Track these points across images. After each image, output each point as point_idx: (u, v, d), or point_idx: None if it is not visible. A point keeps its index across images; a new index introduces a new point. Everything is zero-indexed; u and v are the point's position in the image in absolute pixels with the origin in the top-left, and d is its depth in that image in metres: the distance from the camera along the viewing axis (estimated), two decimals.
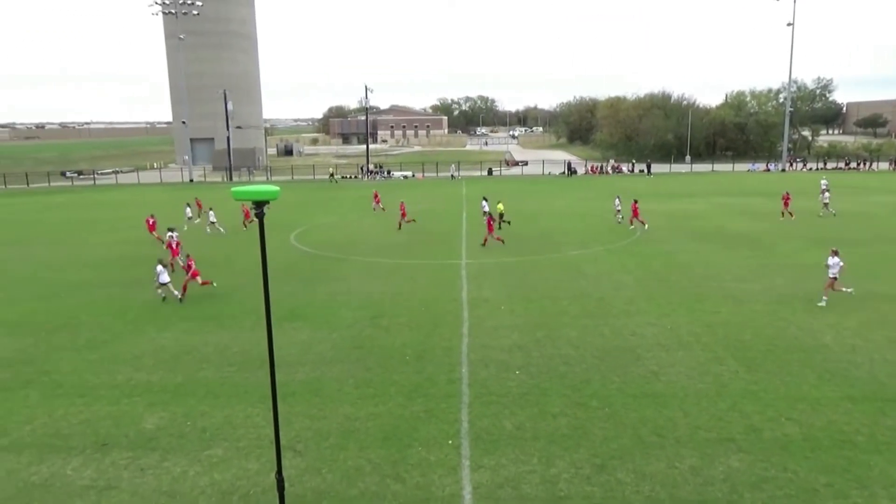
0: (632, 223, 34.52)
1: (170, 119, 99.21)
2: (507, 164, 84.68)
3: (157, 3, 77.32)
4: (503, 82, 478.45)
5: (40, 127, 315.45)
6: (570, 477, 10.95)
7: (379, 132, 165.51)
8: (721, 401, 13.64)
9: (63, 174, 79.98)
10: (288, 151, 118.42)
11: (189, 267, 22.57)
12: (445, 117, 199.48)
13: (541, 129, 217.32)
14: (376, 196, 44.12)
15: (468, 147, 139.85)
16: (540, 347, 16.97)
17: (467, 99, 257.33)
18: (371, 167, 77.29)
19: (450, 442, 12.15)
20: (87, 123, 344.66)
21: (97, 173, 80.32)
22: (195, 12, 76.58)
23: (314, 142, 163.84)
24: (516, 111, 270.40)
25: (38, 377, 15.75)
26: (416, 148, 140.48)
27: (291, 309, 20.57)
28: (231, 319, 19.96)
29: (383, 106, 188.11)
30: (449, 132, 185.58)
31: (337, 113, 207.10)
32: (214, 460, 11.76)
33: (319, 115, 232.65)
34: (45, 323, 20.10)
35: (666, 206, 43.56)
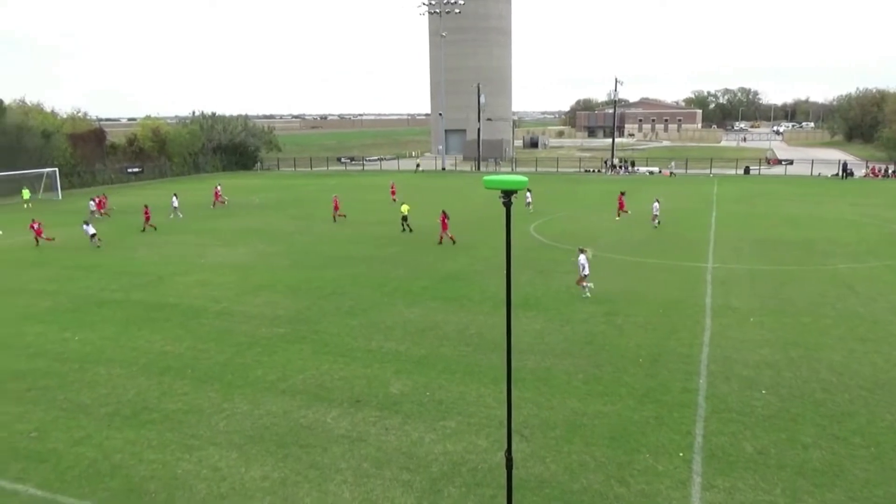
0: (618, 215, 37.38)
1: (428, 111, 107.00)
2: (768, 163, 76.81)
3: (424, 4, 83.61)
4: (768, 73, 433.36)
5: (323, 118, 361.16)
6: None
7: (626, 126, 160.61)
8: None
9: (339, 159, 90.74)
10: (533, 143, 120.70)
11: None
12: (699, 111, 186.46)
13: (811, 124, 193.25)
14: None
15: (723, 143, 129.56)
16: (793, 368, 15.33)
17: (725, 91, 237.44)
18: (615, 161, 75.52)
19: (680, 454, 11.61)
20: (360, 115, 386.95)
21: (365, 160, 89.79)
22: (457, 10, 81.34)
23: (559, 134, 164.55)
24: (783, 104, 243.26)
25: (310, 335, 18.30)
26: (665, 143, 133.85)
27: (526, 298, 21.13)
28: (471, 302, 21.13)
29: (632, 99, 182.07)
30: (703, 126, 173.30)
31: (584, 106, 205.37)
32: (448, 431, 12.64)
33: (566, 108, 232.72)
34: (319, 289, 23.20)
35: None
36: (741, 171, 68.84)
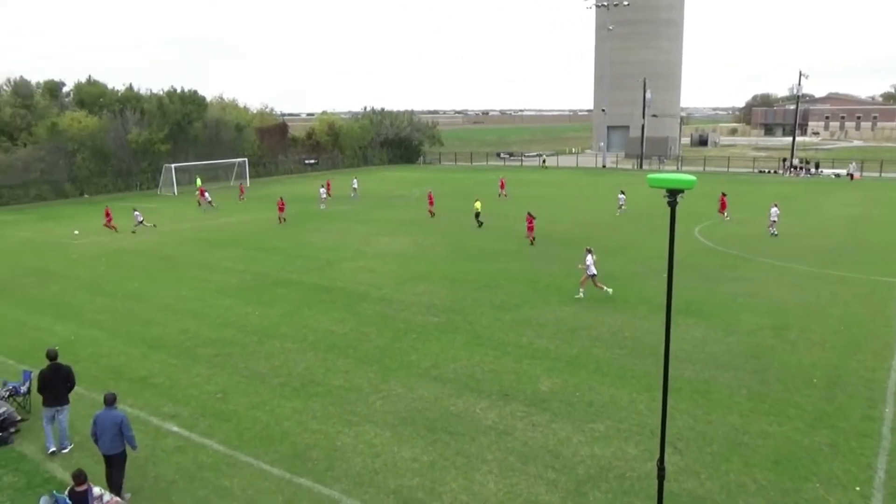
0: (726, 216, 36.66)
1: (590, 107, 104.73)
2: None
3: None
4: None
5: (485, 113, 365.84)
6: None
7: (809, 123, 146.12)
8: None
9: (498, 155, 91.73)
10: (702, 141, 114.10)
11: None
12: None
13: None
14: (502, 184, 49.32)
15: None
16: None
17: None
18: (795, 162, 69.19)
19: (857, 489, 10.53)
20: (520, 111, 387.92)
21: (524, 155, 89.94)
22: (626, 3, 78.69)
23: (732, 132, 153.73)
24: None
25: (463, 325, 18.79)
26: (856, 142, 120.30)
27: (688, 303, 20.13)
28: (626, 304, 20.53)
29: (818, 94, 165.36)
30: None
31: (762, 101, 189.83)
32: (596, 434, 12.44)
33: (741, 104, 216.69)
34: (473, 281, 23.73)
35: None
36: None
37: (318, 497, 10.64)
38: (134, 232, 35.41)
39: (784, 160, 70.91)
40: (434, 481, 10.99)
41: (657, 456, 8.93)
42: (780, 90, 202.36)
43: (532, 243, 30.22)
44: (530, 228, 30.46)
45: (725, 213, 37.04)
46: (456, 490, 10.73)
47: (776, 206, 32.53)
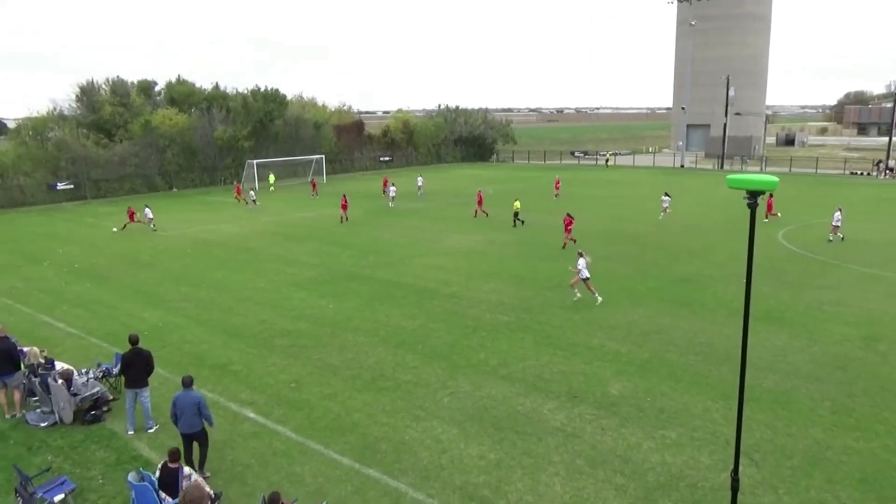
0: (766, 217, 35.37)
1: (670, 105, 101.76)
2: None
3: None
4: None
5: (560, 111, 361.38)
6: None
7: None
8: None
9: (572, 153, 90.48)
10: (789, 141, 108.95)
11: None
12: None
13: None
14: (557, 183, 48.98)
15: None
16: None
17: None
18: (891, 163, 64.96)
19: None
20: (596, 108, 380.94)
21: (599, 154, 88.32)
22: None
23: (822, 131, 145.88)
24: None
25: (532, 325, 18.69)
26: None
27: (769, 310, 19.32)
28: (702, 308, 19.89)
29: None
30: None
31: (855, 99, 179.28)
32: (667, 442, 12.13)
33: (832, 102, 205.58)
34: (544, 280, 23.55)
35: None
36: None
37: (385, 488, 10.86)
38: (154, 230, 36.30)
39: (878, 162, 66.73)
40: (500, 480, 11.01)
41: (731, 467, 8.63)
42: (877, 87, 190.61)
43: (567, 245, 29.17)
44: (567, 231, 29.58)
45: (771, 215, 35.57)
46: (521, 490, 10.71)
47: (840, 210, 30.47)
